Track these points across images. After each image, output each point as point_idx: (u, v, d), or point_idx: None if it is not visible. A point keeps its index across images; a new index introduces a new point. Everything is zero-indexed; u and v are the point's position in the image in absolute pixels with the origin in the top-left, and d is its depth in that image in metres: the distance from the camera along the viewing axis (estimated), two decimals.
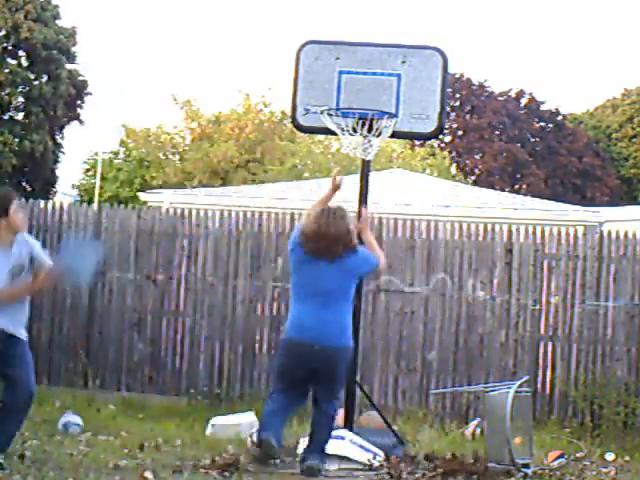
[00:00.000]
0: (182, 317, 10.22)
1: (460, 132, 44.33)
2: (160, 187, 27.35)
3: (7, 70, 33.35)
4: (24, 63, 34.67)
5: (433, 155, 35.94)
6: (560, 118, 45.97)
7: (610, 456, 8.06)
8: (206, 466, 6.68)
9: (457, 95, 44.28)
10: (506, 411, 7.05)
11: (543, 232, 9.78)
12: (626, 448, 8.53)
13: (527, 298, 9.66)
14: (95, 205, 11.58)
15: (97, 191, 32.12)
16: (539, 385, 9.53)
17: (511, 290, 9.69)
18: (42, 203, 10.66)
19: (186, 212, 10.45)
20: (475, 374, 9.63)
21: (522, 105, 45.81)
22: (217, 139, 32.03)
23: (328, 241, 6.68)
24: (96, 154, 35.24)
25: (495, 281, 9.74)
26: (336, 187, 7.26)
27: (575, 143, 44.70)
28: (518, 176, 43.32)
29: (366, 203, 7.92)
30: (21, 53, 34.70)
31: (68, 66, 35.47)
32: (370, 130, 7.80)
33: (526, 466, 7.07)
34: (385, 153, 31.11)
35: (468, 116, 44.70)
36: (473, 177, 41.12)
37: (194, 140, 32.89)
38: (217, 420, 8.38)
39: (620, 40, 75.07)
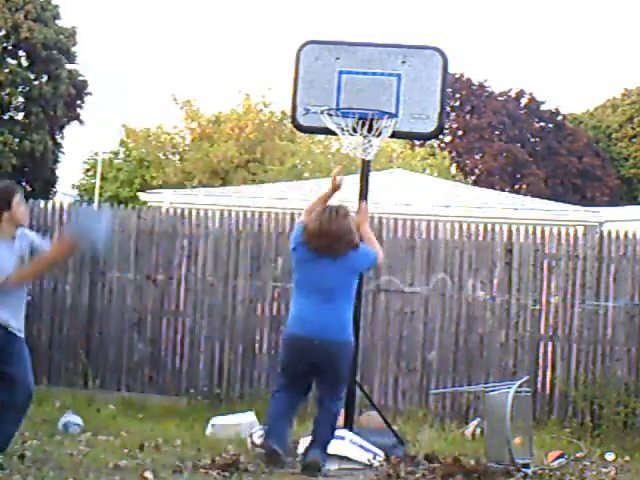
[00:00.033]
0: (182, 317, 10.22)
1: (460, 132, 44.35)
2: (160, 187, 27.36)
3: (7, 70, 33.37)
4: (24, 63, 34.70)
5: (433, 155, 35.95)
6: (560, 118, 45.98)
7: (610, 456, 8.06)
8: (206, 466, 6.67)
9: (457, 95, 44.29)
10: (506, 411, 7.05)
11: (543, 232, 9.78)
12: (626, 448, 8.53)
13: (527, 298, 9.66)
14: (95, 205, 11.57)
15: (97, 191, 32.13)
16: (539, 385, 9.53)
17: (511, 290, 9.69)
18: (42, 203, 10.66)
19: (186, 212, 10.45)
20: (475, 374, 9.63)
21: (522, 105, 45.82)
22: (217, 139, 32.04)
23: (330, 239, 6.73)
24: (96, 154, 35.26)
25: (495, 281, 9.74)
26: (336, 187, 7.26)
27: (575, 143, 44.71)
28: (518, 176, 43.33)
29: (366, 202, 7.94)
30: (21, 53, 34.73)
31: (68, 66, 35.49)
32: (370, 130, 7.80)
33: (526, 466, 7.06)
34: (385, 153, 31.12)
35: (468, 116, 44.71)
36: (473, 177, 41.14)
37: (194, 140, 32.90)
38: (217, 420, 8.38)
39: (620, 40, 75.12)
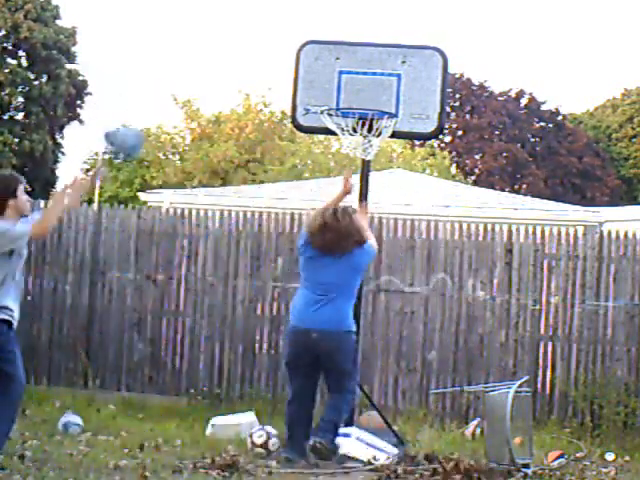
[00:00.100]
0: (182, 317, 10.21)
1: (460, 132, 44.33)
2: (160, 187, 27.37)
3: (7, 70, 33.37)
4: (24, 63, 34.70)
5: (433, 155, 35.93)
6: (560, 118, 45.97)
7: (610, 456, 8.06)
8: (206, 466, 6.68)
9: (457, 95, 44.28)
10: (506, 411, 7.05)
11: (543, 232, 9.78)
12: (626, 448, 8.53)
13: (527, 298, 9.66)
14: (95, 205, 11.58)
15: (97, 191, 32.12)
16: (539, 385, 9.53)
17: (511, 290, 9.69)
18: (42, 203, 10.66)
19: (186, 212, 10.45)
20: (475, 374, 9.63)
21: (522, 105, 45.81)
22: (217, 139, 32.05)
23: (338, 235, 6.91)
24: (96, 154, 35.26)
25: (495, 281, 9.74)
26: (348, 190, 7.43)
27: (575, 143, 44.70)
28: (518, 176, 43.31)
29: (366, 200, 7.97)
30: (21, 53, 34.74)
31: (68, 66, 35.52)
32: (370, 130, 7.81)
33: (526, 466, 7.07)
34: (385, 153, 31.12)
35: (468, 116, 44.70)
36: (473, 177, 41.13)
37: (194, 140, 32.90)
38: (217, 420, 8.38)
39: (620, 40, 75.12)
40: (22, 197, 6.30)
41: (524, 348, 9.62)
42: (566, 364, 9.55)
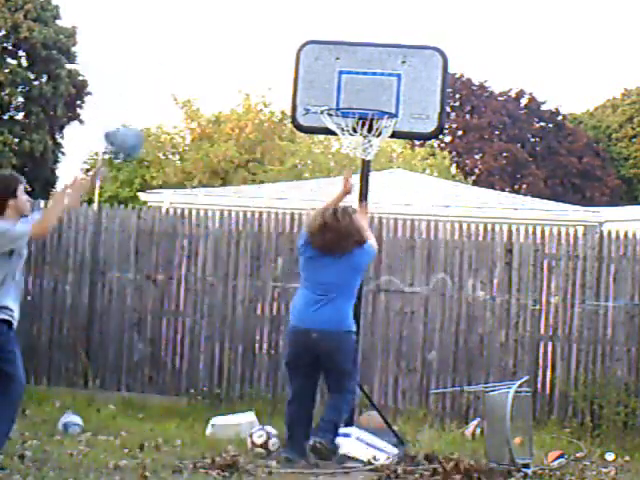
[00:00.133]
0: (182, 317, 10.21)
1: (460, 132, 44.33)
2: (160, 187, 27.36)
3: (7, 70, 33.37)
4: (24, 63, 34.70)
5: (433, 155, 35.93)
6: (560, 118, 45.97)
7: (610, 456, 8.06)
8: (206, 466, 6.68)
9: (457, 95, 44.28)
10: (506, 411, 7.05)
11: (543, 232, 9.78)
12: (626, 448, 8.53)
13: (527, 298, 9.66)
14: (95, 205, 11.58)
15: (97, 191, 32.11)
16: (539, 385, 9.53)
17: (511, 290, 9.69)
18: (42, 203, 10.65)
19: (186, 212, 10.45)
20: (475, 374, 9.63)
21: (522, 105, 45.81)
22: (217, 139, 32.04)
23: (335, 235, 6.91)
24: (96, 154, 35.25)
25: (495, 281, 9.74)
26: (348, 190, 7.44)
27: (575, 143, 44.70)
28: (518, 176, 43.32)
29: (366, 201, 7.97)
30: (21, 53, 34.74)
31: (68, 66, 35.51)
32: (370, 130, 7.81)
33: (526, 466, 7.07)
34: (385, 153, 31.12)
35: (468, 116, 44.70)
36: (473, 177, 41.10)
37: (194, 140, 32.90)
38: (217, 420, 8.38)
39: (620, 40, 75.12)
40: (22, 197, 6.31)
41: (524, 348, 9.62)
42: (566, 364, 9.55)
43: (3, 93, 33.59)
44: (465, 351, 9.71)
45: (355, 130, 7.81)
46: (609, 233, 9.66)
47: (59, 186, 36.26)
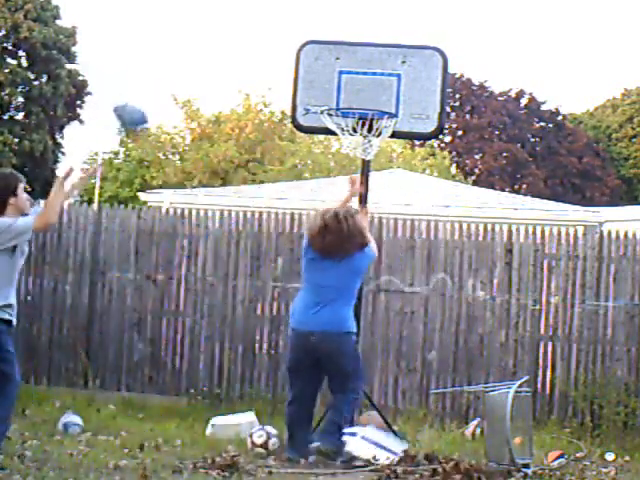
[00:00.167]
0: (182, 317, 10.21)
1: (460, 132, 44.35)
2: (160, 187, 27.37)
3: (7, 70, 33.37)
4: (24, 63, 34.71)
5: (433, 155, 35.94)
6: (560, 118, 45.98)
7: (610, 456, 8.05)
8: (206, 466, 6.67)
9: (457, 95, 44.29)
10: (506, 411, 7.05)
11: (543, 232, 9.78)
12: (626, 448, 8.52)
13: (527, 298, 9.65)
14: (95, 205, 11.58)
15: (97, 191, 32.14)
16: (539, 385, 9.52)
17: (511, 290, 9.69)
18: (42, 203, 10.65)
19: (186, 212, 10.45)
20: (475, 374, 9.63)
21: (522, 105, 45.83)
22: (217, 139, 32.05)
23: (336, 238, 6.89)
24: (96, 154, 35.27)
25: (495, 281, 9.73)
26: (355, 192, 7.46)
27: (575, 143, 44.72)
28: (518, 176, 43.33)
29: (366, 203, 7.97)
30: (21, 53, 34.75)
31: (68, 66, 35.52)
32: (370, 130, 7.81)
33: (526, 466, 7.06)
34: (385, 153, 31.12)
35: (468, 116, 44.72)
36: (473, 177, 41.12)
37: (194, 140, 32.91)
38: (217, 420, 8.38)
39: (620, 40, 75.11)
40: (22, 195, 6.33)
41: (524, 348, 9.62)
42: (566, 364, 9.54)
43: (3, 93, 33.61)
44: (465, 351, 9.71)
45: (355, 130, 7.81)
46: (609, 233, 9.66)
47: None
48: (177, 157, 33.41)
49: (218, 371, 10.07)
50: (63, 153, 36.90)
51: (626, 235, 9.55)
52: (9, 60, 34.17)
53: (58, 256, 10.40)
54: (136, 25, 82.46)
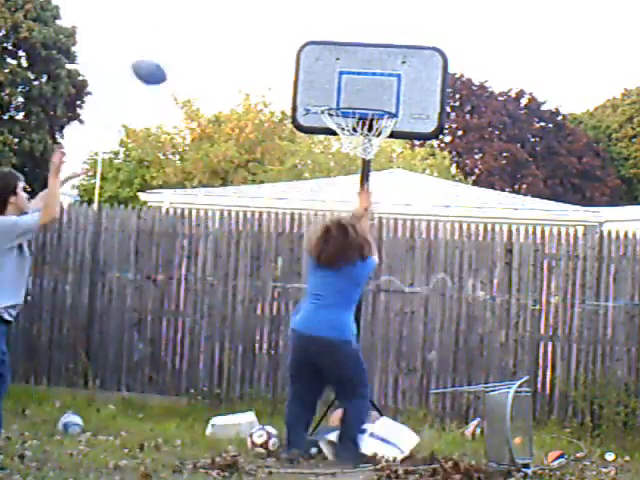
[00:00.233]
0: (182, 317, 10.21)
1: (460, 132, 44.34)
2: (160, 187, 27.37)
3: (7, 70, 33.36)
4: (24, 63, 34.69)
5: (433, 155, 35.94)
6: (560, 118, 45.98)
7: (610, 456, 8.04)
8: (206, 466, 6.67)
9: (457, 95, 44.29)
10: (506, 411, 7.05)
11: (543, 232, 9.78)
12: (626, 448, 8.52)
13: (527, 298, 9.66)
14: (95, 205, 11.58)
15: (97, 191, 32.15)
16: (539, 385, 9.52)
17: (511, 290, 9.69)
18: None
19: (186, 212, 10.45)
20: (475, 374, 9.63)
21: (522, 105, 45.82)
22: (217, 139, 32.05)
23: (337, 248, 6.91)
24: (96, 154, 35.26)
25: (495, 281, 9.73)
26: (367, 206, 7.49)
27: (575, 143, 44.71)
28: (518, 176, 43.32)
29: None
30: (21, 53, 34.73)
31: (68, 66, 35.50)
32: (370, 130, 7.82)
33: (526, 466, 7.06)
34: (385, 153, 31.13)
35: (468, 116, 44.71)
36: (473, 177, 41.12)
37: (194, 140, 32.91)
38: (217, 420, 8.38)
39: (620, 40, 75.11)
40: (22, 194, 6.34)
41: (524, 348, 9.62)
42: (566, 364, 9.54)
43: (3, 93, 33.60)
44: (465, 351, 9.71)
45: (355, 130, 7.81)
46: (609, 233, 9.66)
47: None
48: (177, 157, 33.42)
49: (218, 371, 10.07)
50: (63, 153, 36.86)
51: (626, 235, 9.55)
52: (9, 60, 34.16)
53: (58, 256, 10.40)
54: (136, 25, 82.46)
